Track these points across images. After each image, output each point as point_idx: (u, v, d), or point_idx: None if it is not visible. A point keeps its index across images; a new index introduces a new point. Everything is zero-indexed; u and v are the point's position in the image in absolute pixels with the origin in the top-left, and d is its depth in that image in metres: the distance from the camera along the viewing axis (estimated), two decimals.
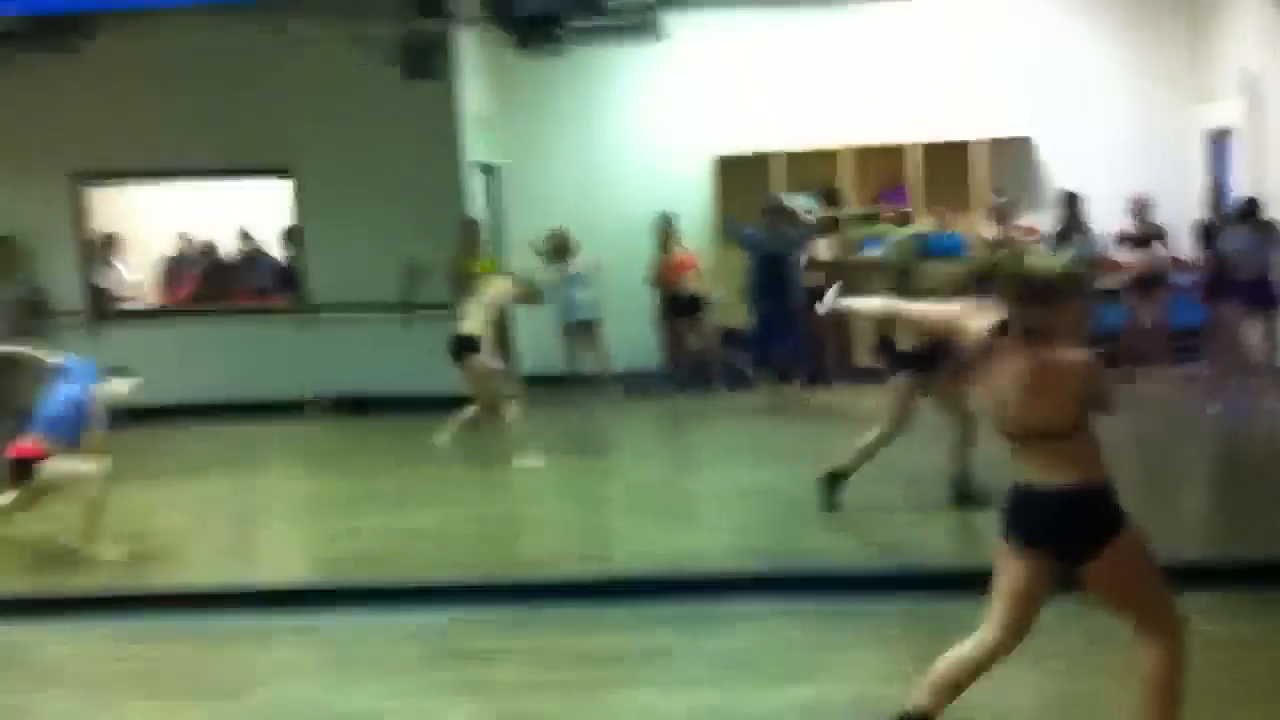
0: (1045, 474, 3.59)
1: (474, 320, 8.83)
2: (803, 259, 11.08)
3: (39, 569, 6.67)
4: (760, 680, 4.80)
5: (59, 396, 6.72)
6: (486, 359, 8.71)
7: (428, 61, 11.31)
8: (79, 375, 6.76)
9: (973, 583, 5.39)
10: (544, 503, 7.93)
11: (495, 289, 9.04)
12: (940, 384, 6.85)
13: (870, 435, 6.92)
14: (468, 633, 5.48)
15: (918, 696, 3.77)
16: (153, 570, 6.55)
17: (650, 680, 4.86)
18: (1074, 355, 3.50)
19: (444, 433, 9.12)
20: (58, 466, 6.55)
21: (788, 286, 10.73)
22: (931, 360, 6.78)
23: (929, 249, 9.99)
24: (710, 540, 6.65)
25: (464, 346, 8.75)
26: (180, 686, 5.04)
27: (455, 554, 6.56)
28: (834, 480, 6.94)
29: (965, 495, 6.75)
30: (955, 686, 3.77)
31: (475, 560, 6.43)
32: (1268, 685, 4.56)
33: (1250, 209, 9.68)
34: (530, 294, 9.60)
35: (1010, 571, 3.70)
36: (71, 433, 6.60)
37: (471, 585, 5.88)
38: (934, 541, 6.44)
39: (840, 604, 5.59)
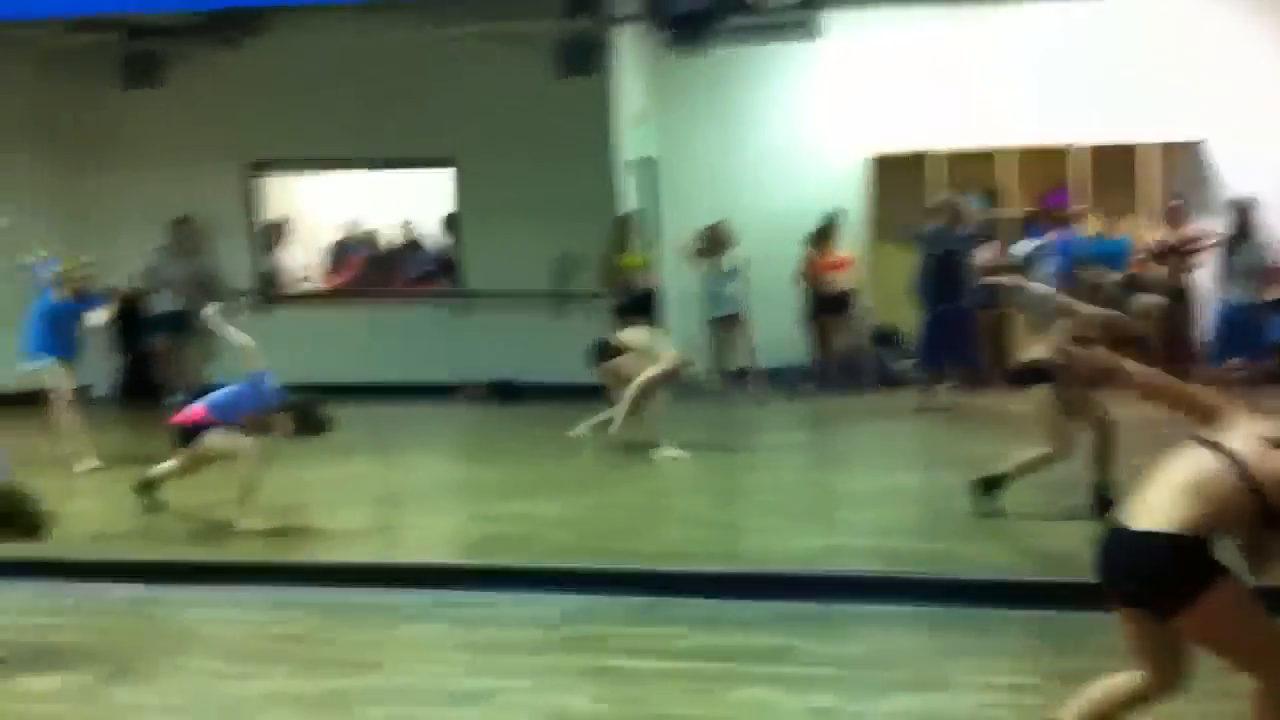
0: (1146, 510, 3.36)
1: (626, 337, 9.18)
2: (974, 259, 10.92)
3: (194, 537, 6.99)
4: (882, 685, 4.75)
5: (237, 391, 7.04)
6: (629, 366, 8.84)
7: (583, 59, 11.49)
8: (263, 390, 7.02)
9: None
10: (681, 495, 7.97)
11: (661, 359, 9.03)
12: (1078, 393, 6.64)
13: (1034, 452, 6.71)
14: (594, 619, 5.54)
15: (1065, 714, 3.65)
16: (299, 545, 6.82)
17: (771, 678, 4.84)
18: None
19: (583, 425, 9.23)
20: (218, 438, 6.88)
21: (960, 286, 10.54)
22: (1063, 373, 6.56)
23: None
24: (844, 541, 6.59)
25: (604, 354, 8.97)
26: (317, 657, 5.21)
27: (589, 541, 6.65)
28: (989, 486, 6.79)
29: (1107, 504, 6.51)
30: (1102, 717, 3.63)
31: (607, 549, 6.49)
32: None
33: None
34: (681, 371, 9.46)
35: (1123, 625, 3.52)
36: (230, 418, 6.94)
37: (601, 572, 5.94)
38: (1074, 552, 6.24)
39: (972, 611, 5.48)
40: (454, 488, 8.42)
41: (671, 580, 5.81)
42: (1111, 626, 4.81)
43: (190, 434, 6.95)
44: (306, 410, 6.97)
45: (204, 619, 5.83)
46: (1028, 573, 5.89)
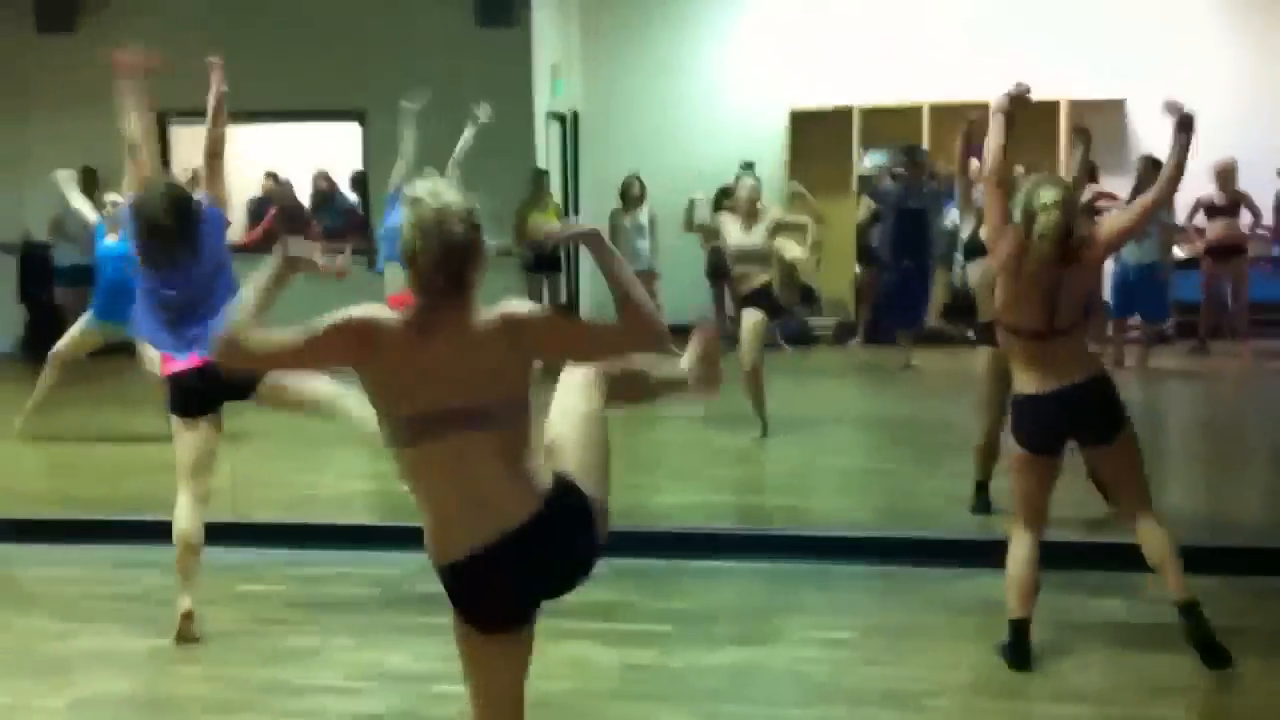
0: (1075, 368, 4.28)
1: None
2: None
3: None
4: (704, 640, 4.72)
5: None
6: None
7: (503, 7, 11.33)
8: None
9: (951, 552, 5.29)
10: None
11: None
12: None
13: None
14: (435, 579, 5.49)
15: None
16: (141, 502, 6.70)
17: (596, 634, 4.78)
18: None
19: None
20: None
21: (925, 244, 10.43)
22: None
23: None
24: (704, 498, 6.60)
25: None
26: (150, 616, 5.13)
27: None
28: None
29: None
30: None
31: None
32: None
33: None
34: None
35: (1040, 473, 4.39)
36: None
37: None
38: (927, 508, 6.25)
39: (812, 567, 5.46)
40: (338, 444, 8.16)
41: None
42: (936, 580, 4.76)
43: None
44: None
45: (41, 577, 5.74)
46: (870, 528, 5.86)
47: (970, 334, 6.59)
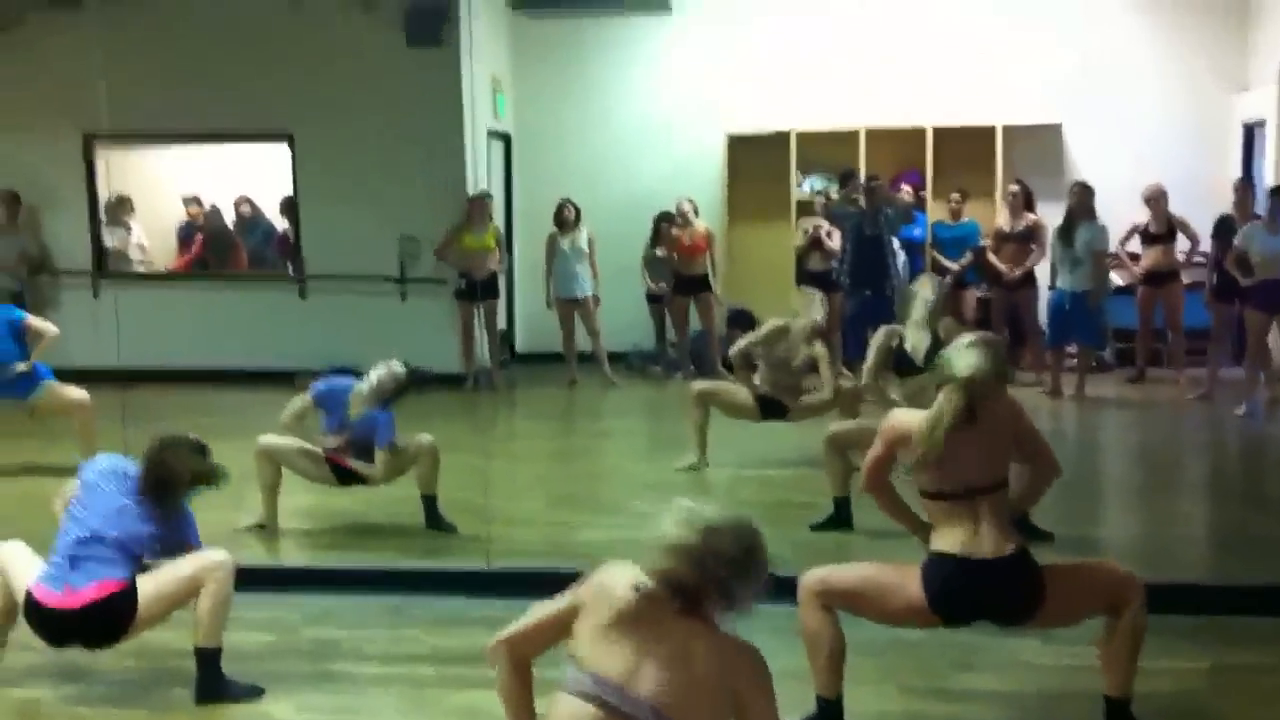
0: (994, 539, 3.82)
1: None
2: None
3: None
4: None
5: None
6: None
7: (432, 27, 11.12)
8: None
9: None
10: (483, 488, 7.60)
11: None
12: None
13: None
14: (332, 623, 5.28)
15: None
16: None
17: (490, 681, 4.58)
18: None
19: None
20: None
21: (885, 269, 10.26)
22: None
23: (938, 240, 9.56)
24: (629, 534, 6.36)
25: None
26: None
27: (350, 539, 6.40)
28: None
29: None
30: None
31: (369, 545, 6.26)
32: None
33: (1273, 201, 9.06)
34: None
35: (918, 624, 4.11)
36: None
37: (348, 572, 5.66)
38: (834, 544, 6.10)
39: None
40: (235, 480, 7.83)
41: (421, 579, 5.54)
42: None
43: None
44: None
45: None
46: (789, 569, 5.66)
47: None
